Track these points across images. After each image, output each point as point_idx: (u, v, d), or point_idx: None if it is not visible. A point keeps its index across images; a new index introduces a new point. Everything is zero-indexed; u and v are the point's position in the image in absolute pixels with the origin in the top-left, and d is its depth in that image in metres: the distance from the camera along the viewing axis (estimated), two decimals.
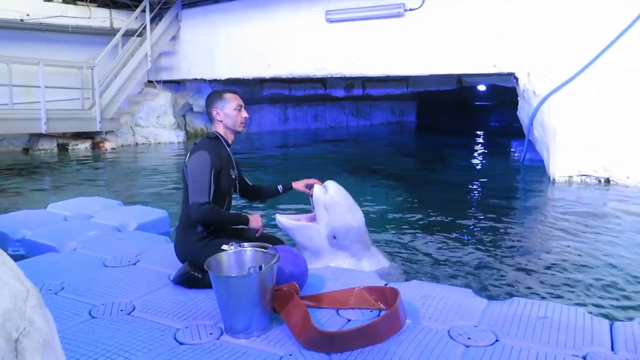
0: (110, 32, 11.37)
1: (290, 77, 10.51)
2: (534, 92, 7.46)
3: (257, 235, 2.72)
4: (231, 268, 2.19)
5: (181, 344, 1.98)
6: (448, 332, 2.03)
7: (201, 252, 2.51)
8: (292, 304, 2.09)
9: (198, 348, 1.93)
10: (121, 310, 2.28)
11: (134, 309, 2.31)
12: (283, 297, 2.13)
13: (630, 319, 2.28)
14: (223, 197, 2.71)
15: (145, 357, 1.87)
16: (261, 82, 12.90)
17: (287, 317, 2.05)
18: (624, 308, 2.96)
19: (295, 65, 9.95)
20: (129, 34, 11.49)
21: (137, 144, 11.79)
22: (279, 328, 2.07)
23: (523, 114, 8.18)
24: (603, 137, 6.84)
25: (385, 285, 2.46)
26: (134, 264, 2.93)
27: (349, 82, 14.68)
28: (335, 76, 10.01)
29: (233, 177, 2.77)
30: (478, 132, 15.43)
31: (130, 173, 8.39)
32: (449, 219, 5.16)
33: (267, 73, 10.43)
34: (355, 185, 7.31)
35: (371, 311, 2.21)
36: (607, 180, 6.92)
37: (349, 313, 2.20)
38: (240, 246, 2.23)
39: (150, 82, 12.33)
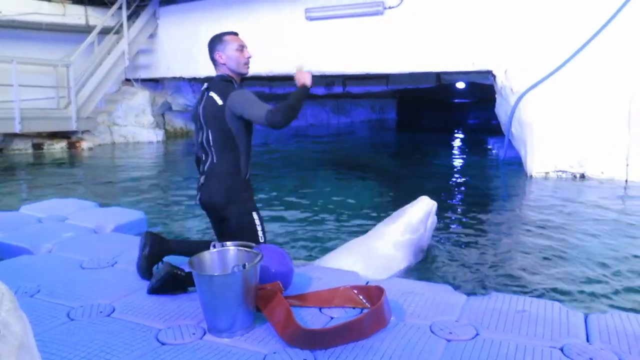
0: (86, 30, 11.17)
1: (271, 75, 10.48)
2: (512, 90, 7.59)
3: (248, 235, 2.60)
4: (214, 267, 2.18)
5: (163, 344, 1.97)
6: (430, 327, 2.06)
7: (246, 203, 2.59)
8: (276, 302, 2.09)
9: (181, 348, 1.92)
10: (100, 312, 2.25)
11: (113, 310, 2.28)
12: (267, 296, 2.14)
13: (604, 311, 2.34)
14: (249, 137, 2.75)
15: (127, 359, 1.85)
16: (241, 80, 12.81)
17: (270, 316, 2.05)
18: (598, 300, 3.03)
19: (275, 63, 9.92)
20: (105, 31, 11.30)
21: (114, 143, 11.62)
22: (263, 327, 2.07)
23: (501, 111, 8.31)
24: (578, 133, 6.99)
25: (367, 283, 2.48)
26: (112, 266, 2.89)
27: (329, 79, 14.69)
28: (315, 74, 9.99)
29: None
30: (457, 129, 15.61)
31: (108, 173, 8.27)
32: None
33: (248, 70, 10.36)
34: (336, 182, 7.33)
35: (354, 309, 2.22)
36: (583, 176, 7.07)
37: (332, 311, 2.21)
38: (223, 245, 2.23)
39: (127, 80, 12.17)
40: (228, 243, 2.24)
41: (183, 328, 2.09)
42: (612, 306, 2.91)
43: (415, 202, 3.70)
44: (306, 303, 2.26)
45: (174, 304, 2.32)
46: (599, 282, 3.34)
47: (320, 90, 15.74)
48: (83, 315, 2.23)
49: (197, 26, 10.83)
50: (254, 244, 2.26)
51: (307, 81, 2.61)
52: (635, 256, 3.90)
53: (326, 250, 3.84)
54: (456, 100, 20.13)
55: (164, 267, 2.50)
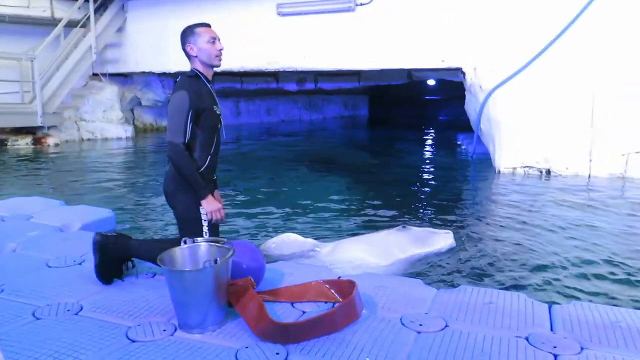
0: (52, 23, 10.85)
1: (242, 70, 10.40)
2: (480, 87, 7.73)
3: (207, 220, 2.56)
4: (185, 263, 2.16)
5: (133, 341, 1.94)
6: (400, 320, 2.09)
7: (194, 194, 2.54)
8: (248, 297, 2.09)
9: (151, 345, 1.90)
10: (68, 311, 2.21)
11: (81, 308, 2.24)
12: (238, 291, 2.13)
13: (568, 301, 2.42)
14: (210, 134, 2.67)
15: (96, 357, 1.82)
16: (213, 75, 12.67)
17: (242, 311, 2.05)
18: (562, 291, 3.13)
19: (246, 58, 9.85)
20: (71, 24, 11.00)
21: (82, 139, 11.35)
22: (235, 322, 2.07)
23: (470, 107, 8.46)
24: (544, 130, 7.18)
25: (339, 278, 2.50)
26: (80, 264, 2.83)
27: (301, 76, 14.68)
28: (287, 70, 10.00)
29: (218, 112, 2.73)
30: (428, 126, 15.81)
31: (75, 170, 8.08)
32: (399, 210, 5.28)
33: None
34: (309, 178, 7.34)
35: (326, 303, 2.24)
36: (548, 172, 7.27)
37: (304, 305, 2.23)
38: (194, 241, 2.21)
39: (95, 75, 11.88)
40: (199, 239, 2.23)
41: (153, 325, 2.07)
42: (575, 296, 3.00)
43: (440, 233, 3.85)
44: (278, 298, 2.27)
45: (144, 301, 2.30)
46: (563, 273, 3.44)
47: (292, 87, 15.73)
48: (49, 314, 2.19)
49: (167, 20, 10.66)
50: (225, 239, 2.25)
51: (210, 209, 2.54)
52: (597, 245, 4.04)
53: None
54: (427, 97, 20.39)
55: (94, 237, 2.54)
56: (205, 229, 2.53)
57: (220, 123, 2.79)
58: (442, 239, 3.77)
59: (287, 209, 5.35)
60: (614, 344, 1.89)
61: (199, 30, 2.67)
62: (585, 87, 6.99)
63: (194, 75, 2.67)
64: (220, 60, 2.73)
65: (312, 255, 3.58)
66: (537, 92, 7.22)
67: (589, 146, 7.06)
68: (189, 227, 2.52)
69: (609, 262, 3.70)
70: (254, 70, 10.40)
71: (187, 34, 2.68)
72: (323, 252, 3.57)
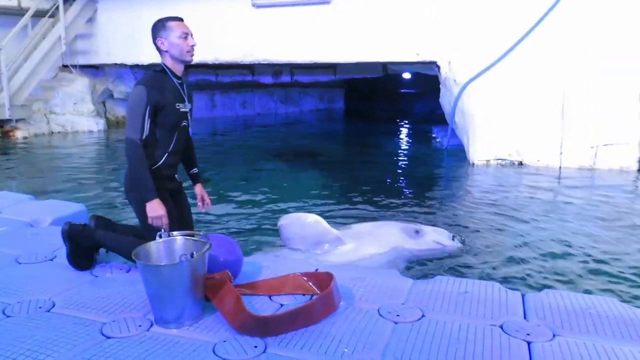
0: (19, 12, 10.50)
1: (217, 63, 10.28)
2: (455, 80, 7.82)
3: (148, 223, 2.51)
4: (161, 257, 2.13)
5: (108, 337, 1.91)
6: (378, 310, 2.11)
7: (132, 196, 2.55)
8: (225, 291, 2.08)
9: (127, 341, 1.87)
10: (39, 308, 2.16)
11: (53, 305, 2.19)
12: (215, 285, 2.11)
13: (541, 289, 2.47)
14: (169, 132, 2.62)
15: (70, 354, 1.79)
16: (186, 67, 12.48)
17: (219, 304, 2.04)
18: (534, 280, 3.21)
19: (221, 51, 9.74)
20: (39, 14, 10.67)
21: (52, 132, 11.05)
22: (212, 316, 2.05)
23: (445, 101, 8.55)
24: (516, 123, 7.32)
25: (317, 270, 2.50)
26: (51, 260, 2.76)
27: (277, 68, 14.59)
28: (262, 62, 9.93)
29: (182, 110, 2.66)
30: (404, 119, 15.90)
31: (45, 164, 7.88)
32: (376, 203, 5.32)
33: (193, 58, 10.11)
34: (285, 171, 7.33)
35: (304, 295, 2.24)
36: (521, 163, 7.42)
37: (282, 298, 2.22)
38: (169, 235, 2.18)
39: (65, 66, 11.56)
40: (175, 232, 2.20)
41: (129, 320, 2.04)
42: (548, 285, 3.08)
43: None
44: (256, 291, 2.26)
45: (118, 296, 2.26)
46: (536, 262, 3.53)
47: (268, 79, 15.61)
48: (20, 311, 2.13)
49: (140, 10, 10.42)
50: (201, 233, 2.23)
51: (153, 214, 2.49)
52: (568, 235, 4.15)
53: (272, 240, 3.83)
54: (403, 91, 20.49)
55: (62, 227, 2.54)
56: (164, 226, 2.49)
57: (186, 121, 2.72)
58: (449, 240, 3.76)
59: (264, 202, 5.33)
60: (584, 330, 1.94)
61: (171, 24, 2.62)
62: (556, 81, 7.14)
63: (160, 70, 2.62)
64: (192, 56, 2.68)
65: (328, 250, 3.27)
66: (509, 85, 7.34)
67: (560, 139, 7.23)
68: (148, 225, 2.51)
69: (580, 250, 3.81)
70: (229, 63, 10.30)
71: (159, 27, 2.62)
72: (343, 249, 3.30)
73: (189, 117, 2.75)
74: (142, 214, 2.56)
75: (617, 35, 6.96)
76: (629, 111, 6.91)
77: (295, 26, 9.00)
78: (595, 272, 3.42)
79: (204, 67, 12.28)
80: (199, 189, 2.97)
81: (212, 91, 15.33)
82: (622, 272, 3.40)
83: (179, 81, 2.68)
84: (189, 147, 2.90)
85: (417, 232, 3.64)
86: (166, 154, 2.62)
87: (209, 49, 9.84)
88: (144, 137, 2.49)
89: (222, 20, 9.59)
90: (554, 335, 1.89)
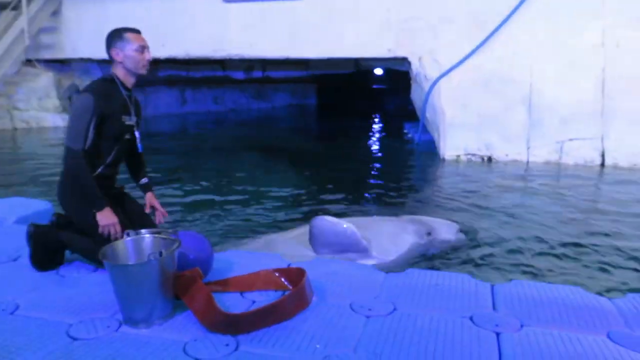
0: None
1: (187, 57, 10.13)
2: (425, 76, 7.90)
3: (99, 232, 2.43)
4: (129, 256, 2.09)
5: (75, 339, 1.86)
6: (350, 305, 2.11)
7: (75, 209, 2.46)
8: (195, 289, 2.05)
9: (95, 342, 1.83)
10: (3, 310, 2.08)
11: (17, 307, 2.12)
12: (186, 283, 2.08)
13: (509, 280, 2.52)
14: (110, 144, 2.53)
15: (35, 357, 1.73)
16: (156, 62, 12.27)
17: (190, 303, 2.01)
18: (503, 271, 3.27)
19: (191, 45, 9.60)
20: (0, 7, 10.31)
21: (15, 129, 10.71)
22: (183, 315, 2.02)
23: (416, 97, 8.63)
24: (486, 118, 7.44)
25: (290, 266, 2.50)
26: (15, 260, 2.67)
27: (248, 64, 14.47)
28: (234, 58, 9.82)
29: (127, 123, 2.58)
30: (376, 115, 16.00)
31: (8, 161, 7.63)
32: (349, 198, 5.34)
33: (162, 53, 9.92)
34: (259, 167, 7.28)
35: (276, 292, 2.23)
36: (490, 159, 7.55)
37: (254, 295, 2.21)
38: (137, 233, 2.14)
39: (29, 61, 11.20)
40: (143, 230, 2.16)
41: (96, 321, 1.99)
42: (515, 276, 3.15)
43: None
44: (227, 288, 2.24)
45: (85, 296, 2.20)
46: (502, 255, 3.60)
47: (239, 75, 15.48)
48: None
49: (107, 5, 10.17)
50: (170, 230, 2.19)
51: (105, 222, 2.43)
52: (534, 226, 4.26)
53: (244, 237, 3.81)
54: (375, 86, 20.62)
55: (27, 228, 2.47)
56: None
57: (130, 134, 2.63)
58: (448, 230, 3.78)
59: (235, 199, 5.29)
60: (550, 319, 1.99)
61: (129, 35, 2.54)
62: (524, 77, 7.29)
63: (109, 79, 2.55)
64: (146, 70, 2.59)
65: (353, 259, 3.10)
66: (479, 81, 7.46)
67: (527, 134, 7.39)
68: (94, 234, 2.44)
69: (547, 241, 3.91)
70: (200, 58, 10.17)
71: (115, 37, 2.55)
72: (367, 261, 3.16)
73: (136, 131, 2.66)
74: (83, 222, 2.48)
75: (579, 31, 7.15)
76: (593, 106, 7.11)
77: (267, 21, 8.94)
78: (562, 262, 3.51)
79: (174, 62, 12.08)
80: (149, 198, 2.85)
81: (183, 87, 15.10)
82: (587, 262, 3.50)
83: (128, 93, 2.60)
84: (138, 161, 2.81)
85: (429, 233, 3.65)
86: (102, 166, 2.54)
87: (179, 44, 9.70)
88: (86, 147, 2.40)
89: (193, 15, 9.45)
90: (521, 326, 1.93)
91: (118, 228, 2.44)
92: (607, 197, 5.69)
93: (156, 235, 2.14)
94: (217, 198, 5.33)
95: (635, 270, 3.38)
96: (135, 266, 1.98)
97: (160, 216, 2.80)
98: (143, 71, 2.58)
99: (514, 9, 7.30)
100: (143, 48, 2.57)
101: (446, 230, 3.77)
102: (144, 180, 2.87)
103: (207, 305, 1.94)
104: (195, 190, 5.70)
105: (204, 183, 6.14)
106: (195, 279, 2.07)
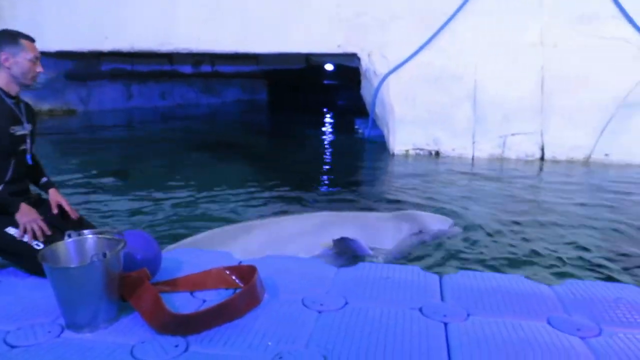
0: None
1: (132, 51, 9.79)
2: (375, 73, 8.00)
3: (21, 233, 2.28)
4: (71, 258, 2.00)
5: (14, 347, 1.76)
6: (302, 301, 2.11)
7: None
8: (143, 290, 1.98)
9: (35, 349, 1.74)
10: None
11: None
12: (132, 284, 2.01)
13: (456, 271, 2.59)
14: (4, 160, 2.36)
15: None
16: (99, 55, 11.81)
17: (137, 304, 1.95)
18: (451, 262, 3.37)
19: (136, 38, 9.28)
20: None
21: None
22: (129, 317, 1.96)
23: (365, 92, 8.73)
24: (433, 114, 7.63)
25: (240, 263, 2.47)
26: None
27: (197, 58, 14.16)
28: (181, 52, 9.58)
29: (18, 134, 2.40)
30: (327, 110, 16.08)
31: None
32: (300, 193, 5.34)
33: (105, 46, 9.56)
34: (208, 164, 7.15)
35: (227, 290, 2.20)
36: (437, 153, 7.76)
37: (204, 294, 2.17)
38: (79, 234, 2.05)
39: None
40: (85, 231, 2.07)
41: (36, 327, 1.89)
42: (462, 267, 3.25)
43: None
44: (176, 288, 2.19)
45: (23, 302, 2.09)
46: (452, 244, 3.71)
47: (187, 69, 15.14)
48: None
49: None
50: (115, 230, 2.11)
51: (26, 219, 2.28)
52: (479, 216, 4.42)
53: (194, 234, 3.73)
54: (326, 82, 20.71)
55: None
56: (27, 239, 2.26)
57: (25, 144, 2.46)
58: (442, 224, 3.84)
59: (184, 196, 5.18)
60: (495, 308, 2.06)
61: (24, 43, 2.36)
62: (469, 74, 7.52)
63: None
64: (34, 81, 2.41)
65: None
66: (427, 78, 7.63)
67: (473, 129, 7.63)
68: (8, 249, 2.29)
69: (489, 231, 4.06)
70: (145, 51, 9.84)
71: (7, 40, 2.34)
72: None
73: (30, 140, 2.48)
74: (2, 239, 2.30)
75: (519, 31, 7.45)
76: (533, 103, 7.43)
77: (215, 15, 8.77)
78: (505, 251, 3.65)
79: (118, 55, 11.65)
80: (53, 194, 2.58)
81: (129, 81, 14.62)
82: (529, 252, 3.66)
83: (13, 101, 2.40)
84: (34, 168, 2.61)
85: (420, 231, 3.71)
86: (3, 185, 2.36)
87: (123, 37, 9.36)
88: None
89: (137, 7, 9.13)
90: (468, 315, 2.00)
91: (41, 223, 2.28)
92: (546, 189, 5.98)
93: (99, 235, 2.06)
94: (165, 195, 5.20)
95: (573, 257, 3.57)
96: (77, 269, 1.90)
97: (73, 213, 2.57)
98: (30, 82, 2.40)
99: (459, 7, 7.51)
100: (37, 59, 2.39)
101: (439, 225, 3.85)
102: (44, 179, 2.64)
103: (155, 306, 1.89)
104: (141, 188, 5.53)
105: (151, 180, 5.98)
106: (142, 280, 2.01)
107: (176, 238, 3.73)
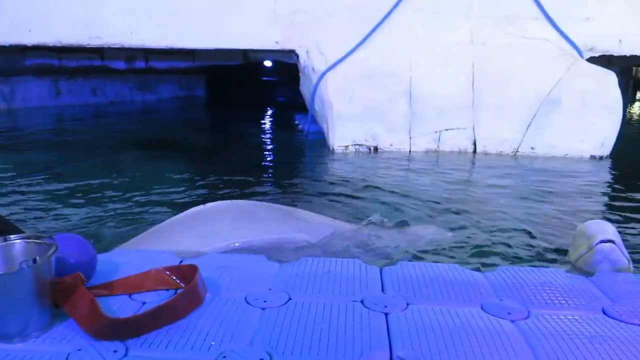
0: None
1: (60, 45, 9.28)
2: (313, 69, 8.05)
3: None
4: None
5: None
6: (245, 298, 2.10)
7: None
8: (78, 295, 1.90)
9: None
10: None
11: None
12: (66, 290, 1.93)
13: (396, 262, 2.67)
14: None
15: None
16: (22, 50, 11.10)
17: (71, 310, 1.86)
18: (389, 254, 3.47)
19: (63, 32, 8.81)
20: None
21: None
22: (64, 324, 1.87)
23: (304, 89, 8.77)
24: (371, 110, 7.79)
25: (181, 262, 2.42)
26: None
27: (130, 53, 13.63)
28: (112, 46, 9.20)
29: None
30: (266, 107, 15.98)
31: None
32: (240, 190, 5.30)
33: (28, 40, 9.00)
34: (142, 162, 6.93)
35: (167, 291, 2.15)
36: (376, 149, 7.93)
37: (144, 296, 2.11)
38: (5, 239, 1.93)
39: None
40: (12, 236, 1.96)
41: None
42: (402, 258, 3.35)
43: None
44: (114, 291, 2.11)
45: None
46: (394, 236, 3.81)
47: (120, 65, 14.54)
48: None
49: None
50: (45, 234, 2.01)
51: None
52: (417, 209, 4.58)
53: (132, 235, 3.62)
54: (265, 78, 20.54)
55: None
56: None
57: None
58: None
59: (119, 196, 5.00)
60: (433, 296, 2.15)
61: None
62: (404, 70, 7.74)
63: None
64: None
65: None
66: (364, 74, 7.77)
67: (409, 125, 7.86)
68: None
69: (427, 220, 4.22)
70: (74, 46, 9.36)
71: None
72: None
73: None
74: None
75: (451, 29, 7.75)
76: (464, 99, 7.75)
77: (150, 8, 8.49)
78: (442, 241, 3.81)
79: (44, 49, 11.00)
80: None
81: (56, 77, 13.84)
82: (463, 240, 3.83)
83: None
84: None
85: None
86: None
87: (49, 30, 8.84)
88: None
89: None
90: (407, 305, 2.07)
91: None
92: (478, 181, 6.28)
93: (28, 240, 1.96)
94: (99, 195, 5.00)
95: (503, 244, 3.78)
96: (4, 276, 1.79)
97: None
98: None
99: (394, 5, 7.70)
100: None
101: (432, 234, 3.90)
102: None
103: (90, 312, 1.82)
104: (74, 189, 5.28)
105: (84, 181, 5.72)
106: (76, 285, 1.93)
107: (113, 240, 3.60)
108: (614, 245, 2.71)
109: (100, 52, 13.20)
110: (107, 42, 8.86)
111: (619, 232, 2.86)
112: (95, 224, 4.13)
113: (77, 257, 2.13)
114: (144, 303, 2.05)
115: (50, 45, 9.27)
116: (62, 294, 1.91)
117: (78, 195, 5.04)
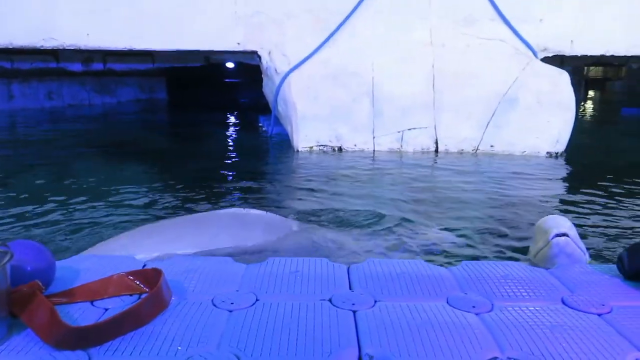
0: None
1: (11, 47, 8.93)
2: (276, 70, 8.03)
3: None
4: None
5: None
6: (212, 301, 2.07)
7: None
8: (36, 304, 1.83)
9: None
10: None
11: None
12: (23, 299, 1.85)
13: (363, 260, 2.69)
14: None
15: None
16: None
17: (29, 320, 1.79)
18: (359, 253, 3.49)
19: (15, 33, 8.48)
20: None
21: None
22: (21, 334, 1.80)
23: (267, 90, 8.74)
24: (335, 110, 7.84)
25: (145, 266, 2.37)
26: None
27: (86, 55, 13.25)
28: (68, 48, 8.91)
29: None
30: (230, 109, 15.84)
31: None
32: (204, 193, 5.23)
33: None
34: (101, 166, 6.75)
35: (131, 296, 2.10)
36: (340, 149, 7.98)
37: (106, 302, 2.05)
38: None
39: None
40: None
41: None
42: (369, 254, 3.38)
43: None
44: (74, 299, 2.04)
45: None
46: (359, 234, 3.84)
47: (76, 67, 14.14)
48: None
49: None
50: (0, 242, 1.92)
51: None
52: (384, 206, 4.63)
53: (93, 241, 3.52)
54: (227, 80, 20.37)
55: None
56: None
57: None
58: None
59: (82, 201, 4.85)
60: (399, 293, 2.17)
61: None
62: (366, 70, 7.82)
63: None
64: None
65: None
66: (327, 75, 7.81)
67: (372, 125, 7.95)
68: None
69: (394, 219, 4.27)
70: (26, 48, 9.02)
71: None
72: None
73: None
74: None
75: (411, 30, 7.88)
76: (425, 99, 7.89)
77: (107, 8, 8.26)
78: (407, 238, 3.86)
79: None
80: None
81: (9, 80, 13.33)
82: (427, 236, 3.90)
83: None
84: None
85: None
86: None
87: (1, 31, 8.50)
88: None
89: None
90: (375, 302, 2.08)
91: None
92: (440, 179, 6.40)
93: None
94: (57, 201, 4.83)
95: (465, 237, 3.87)
96: None
97: None
98: None
99: (356, 6, 7.77)
100: None
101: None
102: None
103: (50, 321, 1.75)
104: (30, 196, 5.09)
105: (41, 187, 5.52)
106: (34, 293, 1.85)
107: (72, 248, 3.49)
108: (568, 238, 2.80)
109: (55, 53, 12.78)
110: (62, 43, 8.58)
111: (575, 225, 2.96)
112: (52, 231, 3.99)
113: (33, 264, 2.05)
114: (106, 309, 1.99)
115: (2, 47, 8.91)
116: (19, 303, 1.83)
117: (33, 203, 4.86)
